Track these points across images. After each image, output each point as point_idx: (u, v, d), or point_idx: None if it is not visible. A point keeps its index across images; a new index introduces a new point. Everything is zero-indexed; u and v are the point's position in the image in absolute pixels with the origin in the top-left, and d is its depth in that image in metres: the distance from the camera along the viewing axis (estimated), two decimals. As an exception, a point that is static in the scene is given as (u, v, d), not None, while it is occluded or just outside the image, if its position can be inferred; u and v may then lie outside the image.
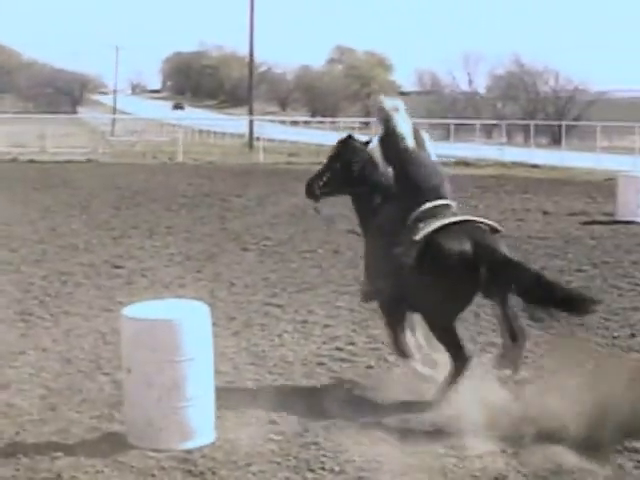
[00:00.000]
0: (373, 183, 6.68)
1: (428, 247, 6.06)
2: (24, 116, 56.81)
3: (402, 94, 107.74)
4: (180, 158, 33.66)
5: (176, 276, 10.96)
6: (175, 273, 11.18)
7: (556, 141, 48.83)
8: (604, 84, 74.08)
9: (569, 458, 5.32)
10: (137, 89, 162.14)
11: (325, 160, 7.12)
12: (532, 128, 43.29)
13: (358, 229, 6.99)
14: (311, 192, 6.99)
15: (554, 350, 6.96)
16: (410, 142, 6.50)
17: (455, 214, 6.37)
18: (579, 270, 11.43)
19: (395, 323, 6.55)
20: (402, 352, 6.57)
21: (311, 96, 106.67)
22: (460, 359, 6.12)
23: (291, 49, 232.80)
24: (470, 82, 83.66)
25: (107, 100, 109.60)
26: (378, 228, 6.52)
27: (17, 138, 38.30)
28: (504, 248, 6.21)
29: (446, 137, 44.52)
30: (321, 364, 7.34)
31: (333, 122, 58.83)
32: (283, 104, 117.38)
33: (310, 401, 6.26)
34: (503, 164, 31.96)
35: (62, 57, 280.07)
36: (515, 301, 6.09)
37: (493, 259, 5.99)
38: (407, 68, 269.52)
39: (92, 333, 8.24)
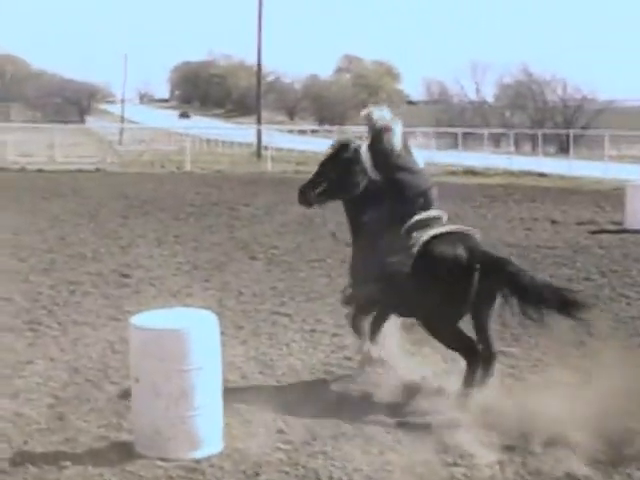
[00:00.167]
0: (365, 189, 6.74)
1: (424, 254, 6.28)
2: (32, 125, 57.19)
3: (410, 103, 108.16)
4: (188, 167, 33.75)
5: (184, 285, 10.96)
6: (183, 282, 11.18)
7: (564, 150, 48.81)
8: (612, 93, 74.66)
9: (578, 466, 5.31)
10: (145, 98, 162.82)
11: (319, 166, 7.07)
12: (540, 137, 43.37)
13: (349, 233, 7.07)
14: (304, 199, 7.01)
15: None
16: (398, 150, 6.64)
17: (444, 225, 6.59)
18: (587, 279, 11.42)
19: (363, 314, 6.87)
20: (358, 330, 6.94)
21: (319, 105, 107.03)
22: (472, 357, 6.27)
23: (299, 58, 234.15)
24: (478, 91, 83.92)
25: (115, 109, 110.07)
26: (367, 233, 6.65)
27: (26, 148, 38.44)
28: (494, 251, 6.51)
29: (454, 146, 44.63)
30: (329, 373, 7.34)
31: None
32: (291, 113, 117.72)
33: (318, 410, 6.25)
34: (511, 173, 31.97)
35: (70, 66, 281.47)
36: (510, 302, 6.15)
37: (486, 260, 6.19)
38: (415, 77, 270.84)
39: (100, 342, 8.23)
